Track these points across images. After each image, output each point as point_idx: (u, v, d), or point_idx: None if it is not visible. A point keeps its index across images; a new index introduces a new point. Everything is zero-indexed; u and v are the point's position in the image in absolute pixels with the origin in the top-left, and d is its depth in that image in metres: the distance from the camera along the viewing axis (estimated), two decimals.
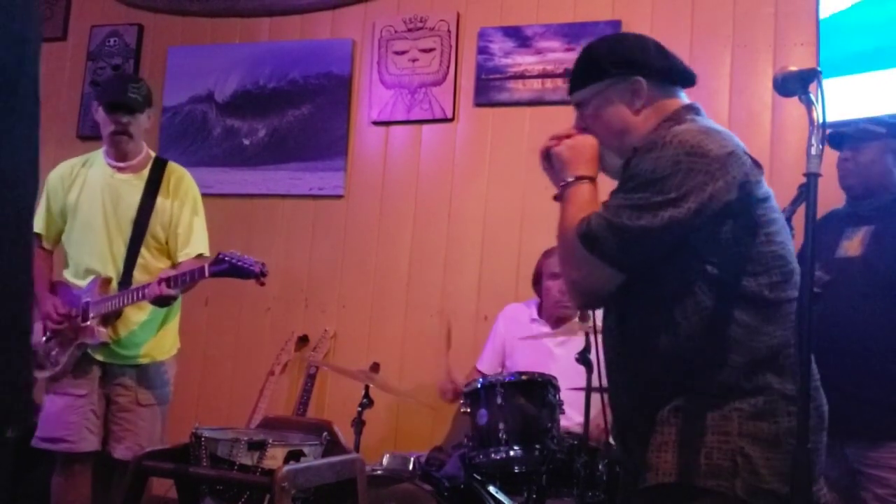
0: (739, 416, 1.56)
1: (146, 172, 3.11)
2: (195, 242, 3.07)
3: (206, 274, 2.79)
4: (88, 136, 4.61)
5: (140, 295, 2.87)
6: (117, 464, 2.96)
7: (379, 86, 4.17)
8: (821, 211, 1.63)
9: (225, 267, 2.75)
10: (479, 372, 3.42)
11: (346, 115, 4.20)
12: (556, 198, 1.83)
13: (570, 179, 1.74)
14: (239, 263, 2.75)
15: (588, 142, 1.77)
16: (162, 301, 2.88)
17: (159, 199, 3.06)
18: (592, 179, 1.74)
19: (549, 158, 1.82)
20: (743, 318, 1.59)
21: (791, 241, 1.69)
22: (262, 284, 2.82)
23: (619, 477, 2.17)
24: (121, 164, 3.10)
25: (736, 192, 1.58)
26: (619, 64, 1.75)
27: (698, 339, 1.59)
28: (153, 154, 3.22)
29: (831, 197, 2.79)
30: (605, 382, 1.89)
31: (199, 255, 3.04)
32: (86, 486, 3.00)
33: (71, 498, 2.98)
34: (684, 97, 1.78)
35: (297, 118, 4.29)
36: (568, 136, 1.79)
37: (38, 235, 3.11)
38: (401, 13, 4.18)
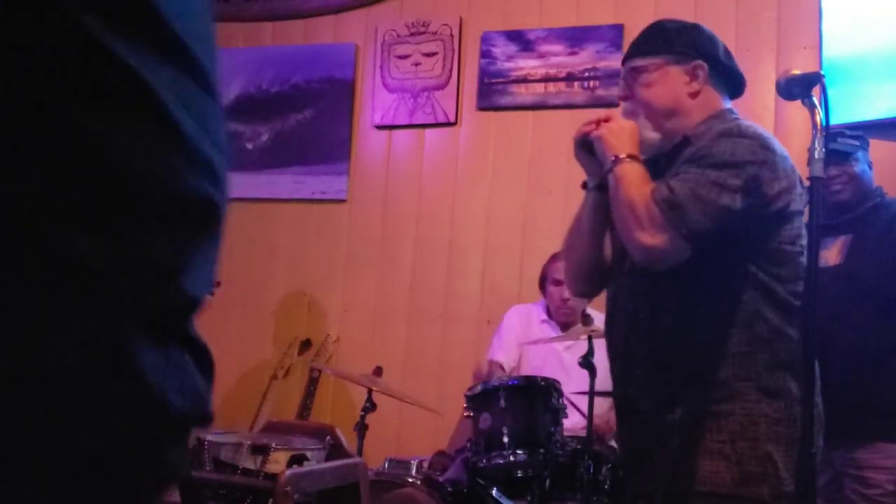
0: (766, 421, 1.58)
1: None
2: None
3: None
4: None
5: None
6: None
7: (382, 90, 4.17)
8: None
9: None
10: (496, 363, 3.41)
11: (348, 119, 4.21)
12: (584, 185, 1.81)
13: (621, 156, 1.68)
14: None
15: (629, 125, 1.74)
16: None
17: None
18: (640, 160, 1.70)
19: (584, 145, 1.78)
20: (772, 318, 1.61)
21: None
22: (211, 294, 2.97)
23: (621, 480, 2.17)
24: None
25: (789, 198, 1.61)
26: (687, 44, 1.75)
27: (733, 331, 1.61)
28: None
29: None
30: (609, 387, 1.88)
31: None
32: None
33: None
34: (728, 101, 1.80)
35: (299, 122, 4.30)
36: (606, 120, 1.75)
37: None
38: (404, 17, 4.18)
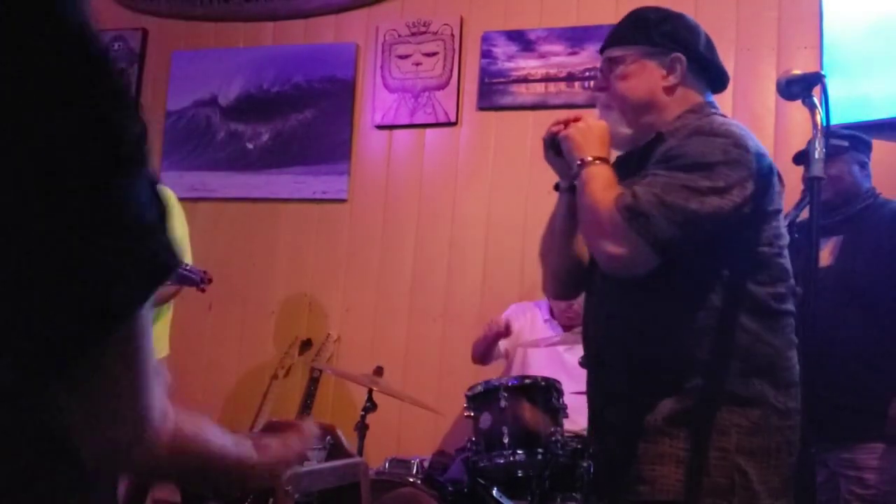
0: (738, 431, 1.52)
1: None
2: None
3: None
4: None
5: None
6: None
7: (382, 90, 4.17)
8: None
9: (174, 276, 2.97)
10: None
11: (349, 119, 4.21)
12: (556, 187, 1.76)
13: (588, 159, 1.62)
14: (184, 273, 3.01)
15: (599, 125, 1.69)
16: None
17: None
18: (608, 162, 1.65)
19: (554, 146, 1.73)
20: (748, 324, 1.55)
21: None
22: (203, 291, 3.04)
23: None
24: None
25: (764, 199, 1.55)
26: (666, 35, 1.68)
27: (705, 338, 1.55)
28: None
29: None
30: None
31: None
32: None
33: None
34: (709, 95, 1.74)
35: (300, 122, 4.30)
36: (575, 120, 1.70)
37: None
38: (404, 17, 4.18)
